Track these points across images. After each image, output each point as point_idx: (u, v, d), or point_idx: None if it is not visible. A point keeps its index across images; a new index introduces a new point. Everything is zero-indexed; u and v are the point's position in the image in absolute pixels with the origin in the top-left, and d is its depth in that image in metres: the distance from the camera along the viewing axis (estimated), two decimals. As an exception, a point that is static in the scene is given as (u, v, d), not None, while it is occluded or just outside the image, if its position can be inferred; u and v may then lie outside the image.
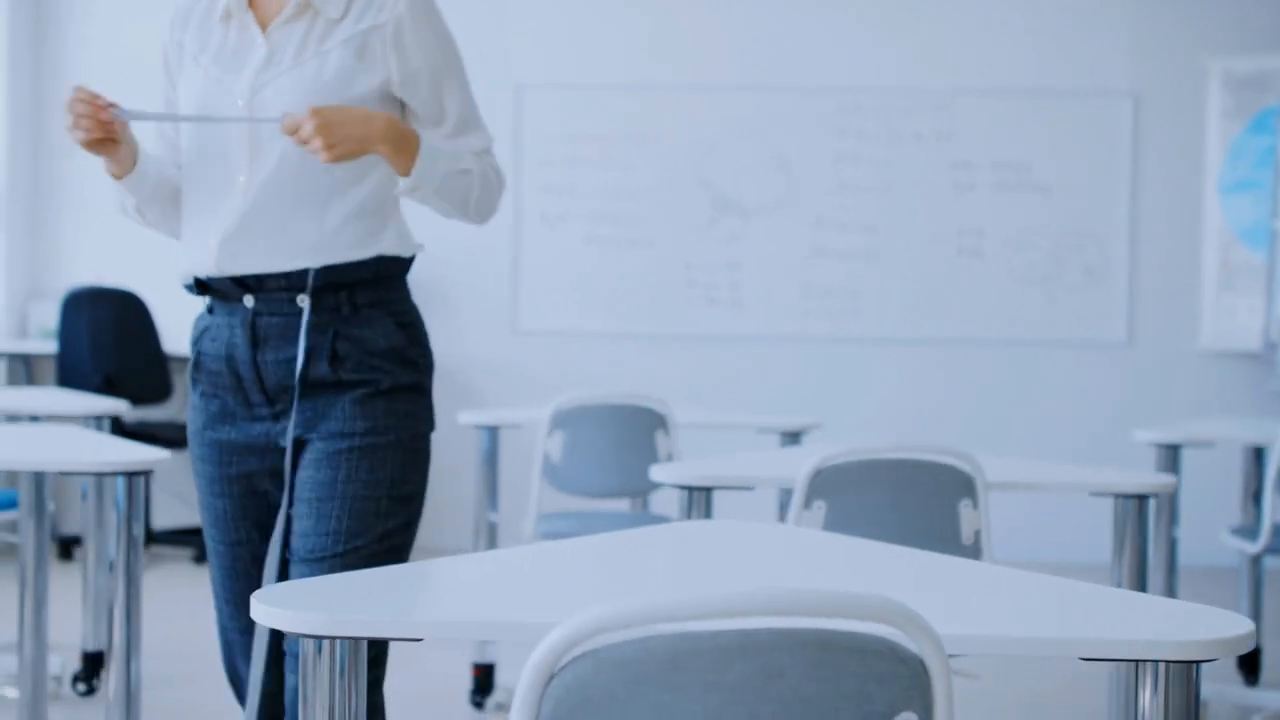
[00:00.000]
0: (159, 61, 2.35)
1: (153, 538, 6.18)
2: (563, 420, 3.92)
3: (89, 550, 4.22)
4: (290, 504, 2.25)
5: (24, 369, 6.59)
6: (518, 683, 1.15)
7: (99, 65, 6.45)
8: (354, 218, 2.21)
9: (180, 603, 5.54)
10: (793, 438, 4.15)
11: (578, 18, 6.74)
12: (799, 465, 2.65)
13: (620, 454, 3.91)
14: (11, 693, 4.14)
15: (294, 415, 2.22)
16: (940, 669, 1.17)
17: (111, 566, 2.90)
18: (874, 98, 6.69)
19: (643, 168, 6.73)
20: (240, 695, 2.40)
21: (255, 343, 2.22)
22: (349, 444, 2.20)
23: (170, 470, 6.44)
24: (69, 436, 3.32)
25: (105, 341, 5.81)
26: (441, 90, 2.25)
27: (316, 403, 2.22)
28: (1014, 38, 6.68)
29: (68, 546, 6.18)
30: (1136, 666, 1.42)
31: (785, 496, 3.74)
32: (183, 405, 6.62)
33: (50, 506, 4.18)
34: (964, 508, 2.66)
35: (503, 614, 1.53)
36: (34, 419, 4.66)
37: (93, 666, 4.19)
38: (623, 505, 4.75)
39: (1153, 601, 1.63)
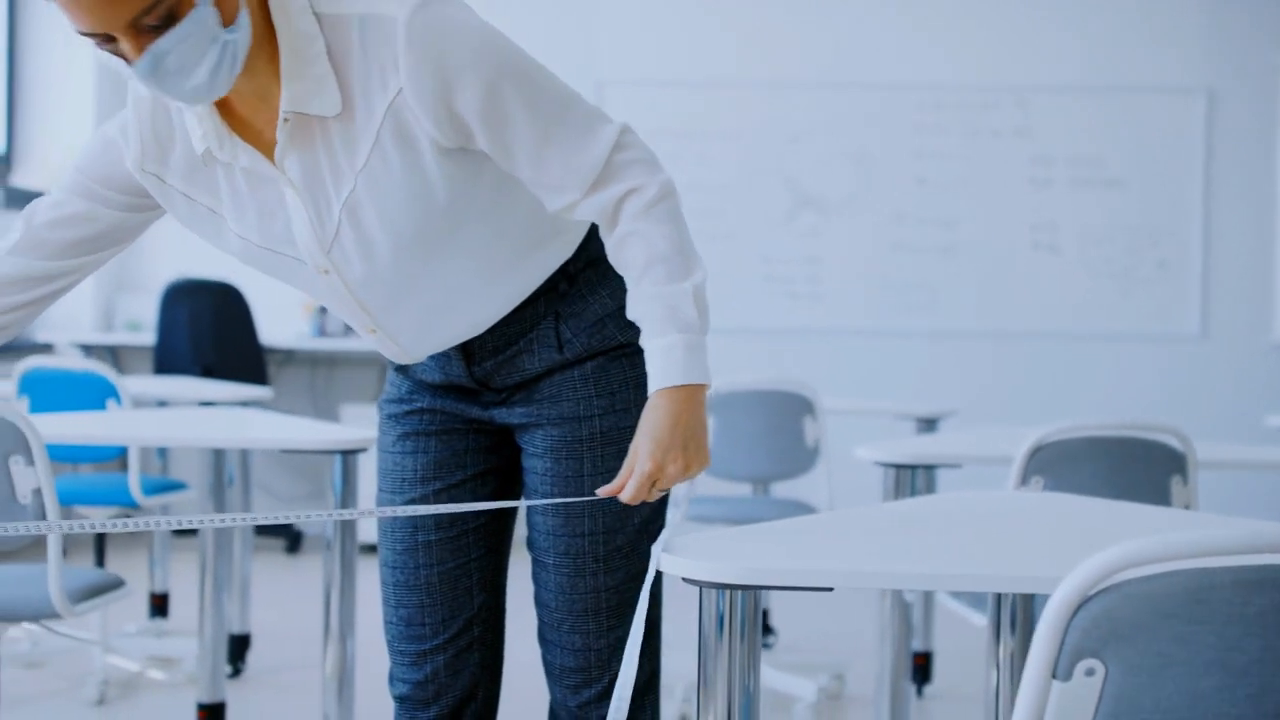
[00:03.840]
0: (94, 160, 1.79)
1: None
2: (712, 406, 3.99)
3: (236, 534, 4.26)
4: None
5: (111, 360, 6.65)
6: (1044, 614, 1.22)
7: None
8: (501, 290, 1.88)
9: (278, 588, 5.63)
10: (928, 424, 4.23)
11: (659, 15, 6.81)
12: (1014, 443, 2.72)
13: (770, 438, 3.99)
14: (157, 674, 4.20)
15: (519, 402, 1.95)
16: None
17: (329, 545, 2.97)
18: (952, 95, 6.77)
19: (723, 163, 6.81)
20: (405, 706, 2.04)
21: (470, 356, 1.94)
22: (589, 430, 1.91)
23: (260, 463, 6.51)
24: (258, 420, 3.38)
25: (204, 332, 5.87)
26: (499, 125, 1.67)
27: (546, 384, 1.93)
28: (1090, 35, 6.77)
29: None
30: None
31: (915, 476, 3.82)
32: (275, 396, 6.69)
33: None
34: (1175, 484, 2.74)
35: (895, 565, 1.59)
36: (161, 404, 4.73)
37: (238, 649, 4.24)
38: (745, 490, 4.82)
39: None
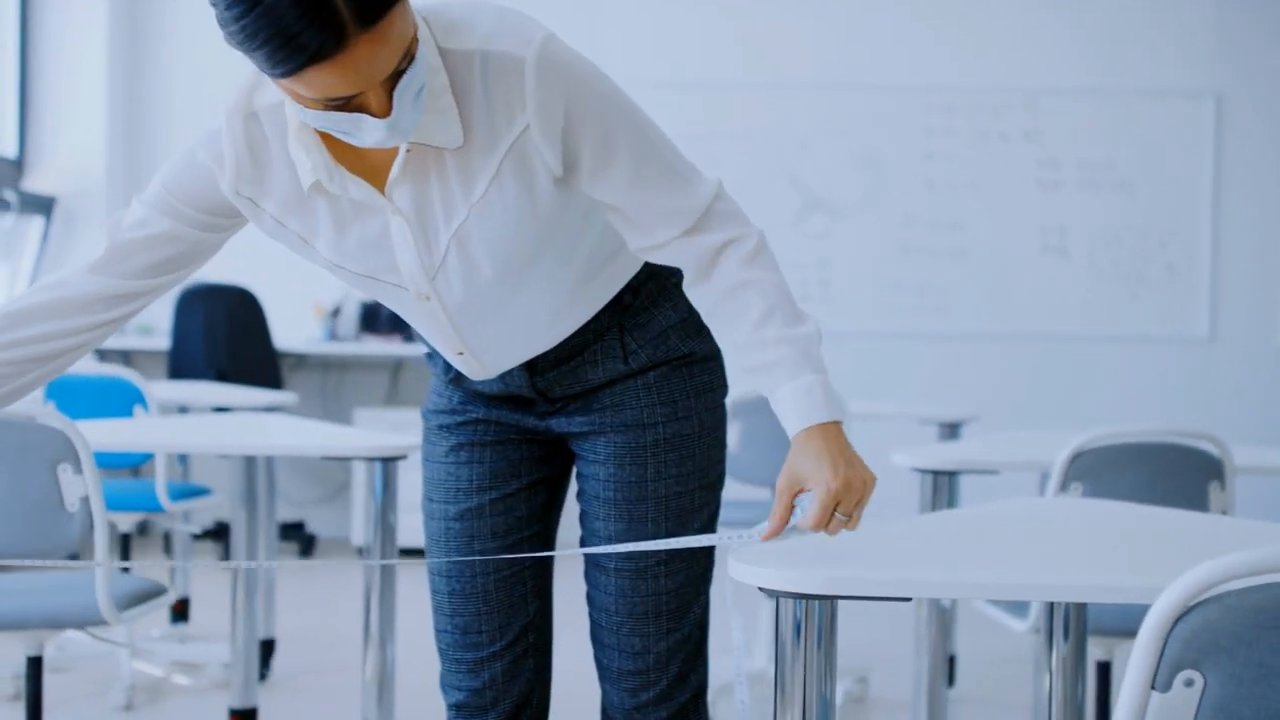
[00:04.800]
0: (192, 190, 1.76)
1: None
2: (739, 411, 4.00)
3: (261, 540, 4.26)
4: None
5: (123, 363, 6.65)
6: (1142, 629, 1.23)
7: (193, 70, 6.52)
8: (578, 301, 1.91)
9: (293, 593, 5.64)
10: (951, 429, 4.24)
11: (667, 16, 6.82)
12: (1054, 449, 2.74)
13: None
14: (182, 679, 4.21)
15: (578, 411, 1.98)
16: None
17: (368, 551, 2.98)
18: (961, 97, 6.79)
19: (730, 166, 6.81)
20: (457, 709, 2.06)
21: (532, 368, 1.96)
22: (653, 436, 1.96)
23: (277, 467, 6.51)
24: (288, 426, 3.39)
25: (219, 336, 5.88)
26: (607, 161, 1.73)
27: (606, 394, 1.97)
28: (1098, 38, 6.79)
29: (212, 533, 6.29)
30: None
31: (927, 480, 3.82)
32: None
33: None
34: (1213, 490, 2.76)
35: (967, 575, 1.61)
36: (182, 409, 4.73)
37: (264, 654, 4.24)
38: (766, 494, 4.83)
39: None
